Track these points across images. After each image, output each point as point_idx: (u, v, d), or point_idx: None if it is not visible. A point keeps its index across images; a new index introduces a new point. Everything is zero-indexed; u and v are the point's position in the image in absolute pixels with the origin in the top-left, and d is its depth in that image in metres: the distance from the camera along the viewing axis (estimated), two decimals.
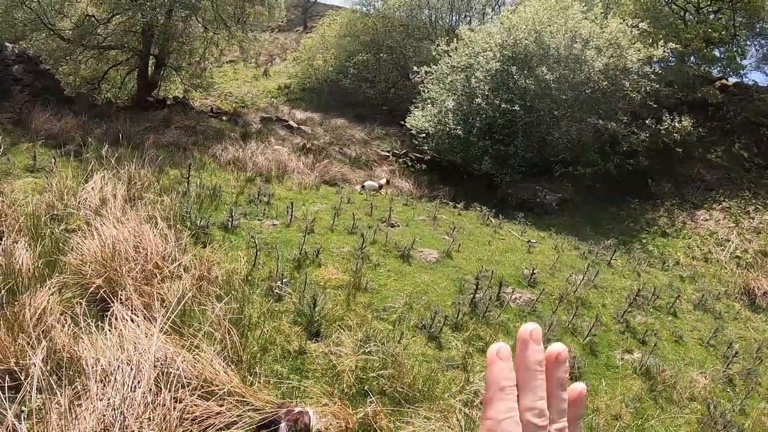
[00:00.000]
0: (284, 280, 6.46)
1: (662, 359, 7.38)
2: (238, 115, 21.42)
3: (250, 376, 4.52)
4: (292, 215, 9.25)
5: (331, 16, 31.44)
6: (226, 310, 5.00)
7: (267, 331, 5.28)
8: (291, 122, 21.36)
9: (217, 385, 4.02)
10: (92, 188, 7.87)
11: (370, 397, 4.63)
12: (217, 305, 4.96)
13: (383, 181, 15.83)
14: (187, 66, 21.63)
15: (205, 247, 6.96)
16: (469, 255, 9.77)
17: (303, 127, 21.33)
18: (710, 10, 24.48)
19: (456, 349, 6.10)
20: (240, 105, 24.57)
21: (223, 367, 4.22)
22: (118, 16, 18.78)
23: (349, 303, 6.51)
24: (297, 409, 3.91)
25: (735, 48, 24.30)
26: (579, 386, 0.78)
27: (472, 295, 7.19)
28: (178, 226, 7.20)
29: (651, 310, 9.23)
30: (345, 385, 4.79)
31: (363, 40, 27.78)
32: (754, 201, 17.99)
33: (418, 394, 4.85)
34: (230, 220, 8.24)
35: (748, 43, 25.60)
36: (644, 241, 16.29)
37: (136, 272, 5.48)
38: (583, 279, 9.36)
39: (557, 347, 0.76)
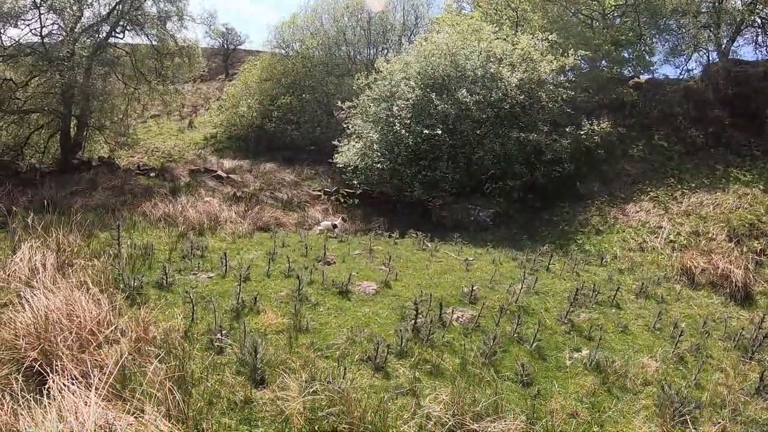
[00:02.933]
0: (224, 332, 6.41)
1: (611, 351, 7.60)
2: (166, 170, 21.09)
3: None
4: (227, 266, 9.19)
5: (251, 62, 31.38)
6: (167, 369, 4.94)
7: (211, 384, 5.24)
8: (220, 172, 21.19)
9: None
10: (20, 259, 7.66)
11: None
12: (157, 365, 4.91)
13: (338, 221, 15.85)
14: (110, 124, 21.43)
15: (140, 307, 6.81)
16: (408, 282, 9.85)
17: (232, 175, 21.19)
18: (615, 14, 25.46)
19: (403, 376, 6.12)
20: (167, 159, 24.22)
21: (168, 427, 4.19)
22: (36, 78, 18.64)
23: (291, 345, 6.50)
24: None
25: (643, 47, 25.29)
26: None
27: (413, 321, 7.25)
28: (111, 289, 7.11)
29: (594, 306, 9.50)
30: (295, 429, 4.79)
31: (285, 83, 27.83)
32: (679, 186, 18.70)
33: (370, 427, 4.86)
34: (164, 277, 8.15)
35: (654, 40, 26.66)
36: (580, 241, 16.64)
37: (71, 341, 5.37)
38: (522, 287, 9.55)
39: None
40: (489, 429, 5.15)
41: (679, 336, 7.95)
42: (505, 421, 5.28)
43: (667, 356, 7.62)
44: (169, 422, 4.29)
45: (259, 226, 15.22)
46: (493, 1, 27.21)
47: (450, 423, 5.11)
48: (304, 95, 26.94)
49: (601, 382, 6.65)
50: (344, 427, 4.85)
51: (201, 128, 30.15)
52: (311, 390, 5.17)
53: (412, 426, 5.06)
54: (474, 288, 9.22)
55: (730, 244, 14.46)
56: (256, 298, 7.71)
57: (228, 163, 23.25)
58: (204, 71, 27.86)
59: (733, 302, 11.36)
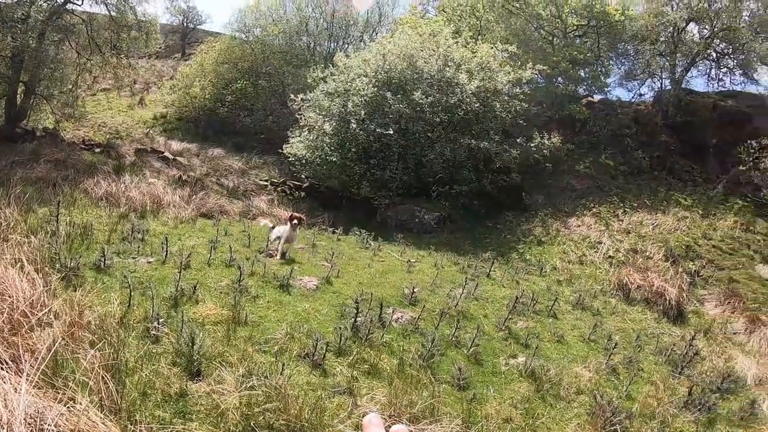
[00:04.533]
0: (161, 320, 6.19)
1: (546, 359, 7.68)
2: (112, 147, 20.40)
3: (131, 424, 4.30)
4: (167, 251, 8.90)
5: (209, 43, 30.57)
6: (101, 357, 4.72)
7: (146, 375, 5.04)
8: (167, 153, 20.68)
9: None
10: None
11: None
12: (91, 352, 4.69)
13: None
14: (58, 94, 20.54)
15: (76, 290, 6.52)
16: (350, 279, 9.79)
17: (179, 158, 20.68)
18: (576, 34, 25.98)
19: (341, 374, 6.05)
20: (114, 136, 23.50)
21: (100, 418, 3.97)
22: None
23: (230, 338, 6.34)
24: None
25: (599, 68, 25.85)
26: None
27: (353, 320, 7.18)
28: (46, 269, 6.79)
29: (531, 314, 9.60)
30: (231, 424, 4.65)
31: (241, 68, 27.29)
32: (621, 205, 19.33)
33: (307, 424, 4.78)
34: (103, 259, 7.85)
35: (611, 63, 27.33)
36: (521, 250, 16.87)
37: (2, 322, 5.07)
38: (463, 292, 9.54)
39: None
40: (425, 431, 5.16)
41: (613, 348, 8.13)
42: (441, 423, 5.29)
43: (601, 367, 7.78)
44: (101, 413, 4.07)
45: (203, 213, 14.91)
46: (457, 8, 27.46)
47: (386, 424, 5.03)
48: (259, 82, 26.53)
49: (535, 389, 6.75)
50: (281, 424, 4.75)
51: (152, 107, 29.34)
52: (248, 385, 5.05)
53: (349, 425, 5.01)
54: (415, 290, 9.21)
55: (666, 264, 14.93)
56: (195, 287, 7.48)
57: (176, 145, 22.68)
58: (160, 48, 27.31)
59: (665, 319, 11.65)
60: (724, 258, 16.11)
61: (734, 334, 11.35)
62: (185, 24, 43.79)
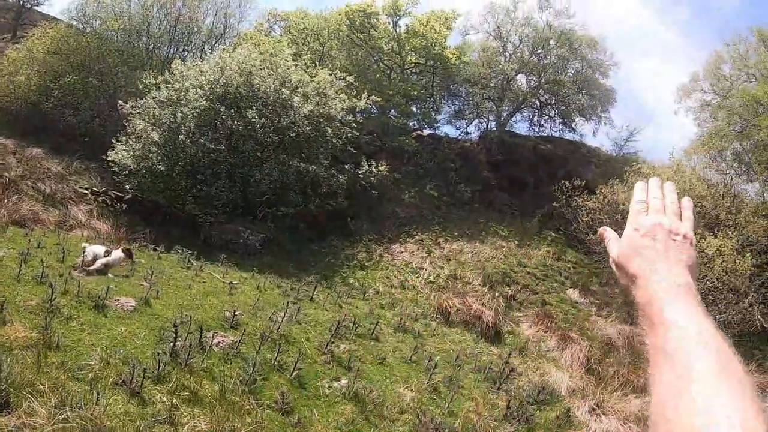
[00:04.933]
0: None
1: (369, 381, 7.93)
2: None
3: None
4: None
5: (44, 28, 28.39)
6: None
7: None
8: None
9: None
10: None
11: None
12: None
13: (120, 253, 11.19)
14: None
15: None
16: (169, 301, 9.49)
17: None
18: (413, 71, 27.22)
19: (161, 402, 5.87)
20: None
21: None
22: None
23: (40, 364, 5.91)
24: None
25: (431, 105, 27.28)
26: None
27: (172, 344, 6.96)
28: None
29: (354, 338, 9.82)
30: None
31: (73, 61, 25.29)
32: (443, 233, 20.42)
33: None
34: None
35: (443, 101, 28.97)
36: (345, 274, 17.28)
37: None
38: (285, 316, 9.54)
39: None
40: None
41: (434, 368, 8.63)
42: None
43: (423, 386, 8.17)
44: None
45: (15, 220, 14.03)
46: (303, 30, 27.76)
47: None
48: (90, 79, 24.74)
49: (359, 410, 6.94)
50: None
51: None
52: (62, 417, 4.83)
53: None
54: (236, 313, 9.10)
55: (484, 289, 16.00)
56: (2, 306, 6.94)
57: None
58: None
59: (483, 339, 12.51)
60: (538, 283, 17.58)
61: (548, 351, 12.42)
62: (21, 2, 40.59)
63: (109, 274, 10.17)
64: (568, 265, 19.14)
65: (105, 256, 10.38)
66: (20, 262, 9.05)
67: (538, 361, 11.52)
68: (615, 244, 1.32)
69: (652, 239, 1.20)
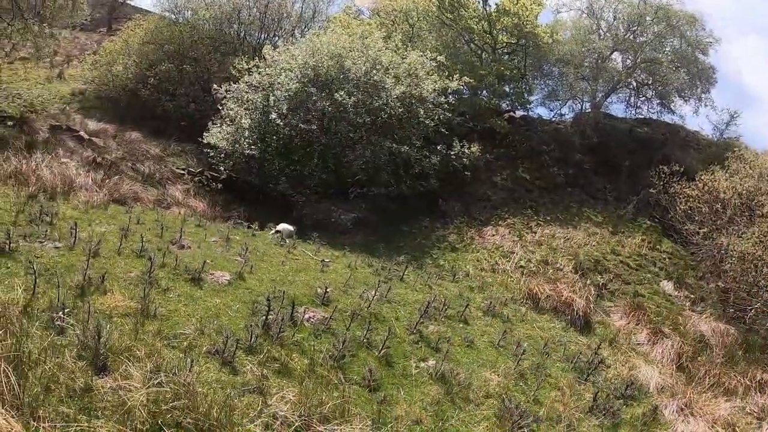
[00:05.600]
0: (66, 310, 5.96)
1: (456, 363, 7.84)
2: (26, 122, 19.37)
3: (34, 420, 4.11)
4: (76, 237, 8.64)
5: (137, 20, 29.33)
6: (2, 348, 4.55)
7: (49, 368, 4.81)
8: (83, 133, 19.84)
9: None
10: None
11: None
12: None
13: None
14: None
15: None
16: (262, 276, 9.64)
17: (95, 139, 19.84)
18: (505, 51, 26.57)
19: (251, 372, 5.98)
20: (28, 109, 22.27)
21: (1, 414, 3.83)
22: None
23: (138, 332, 6.15)
24: None
25: (524, 85, 26.54)
26: None
27: (264, 317, 7.10)
28: None
29: (443, 319, 9.71)
30: (138, 422, 4.49)
31: (167, 50, 26.20)
32: (535, 218, 19.88)
33: (215, 423, 4.69)
34: (8, 242, 7.56)
35: (535, 82, 28.14)
36: (435, 256, 17.03)
37: None
38: (375, 294, 9.56)
39: None
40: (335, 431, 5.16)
41: (522, 354, 8.46)
42: (351, 424, 5.35)
43: (509, 372, 8.03)
44: (2, 408, 3.93)
45: (116, 198, 14.44)
46: (391, 13, 27.59)
47: (297, 424, 5.12)
48: (185, 66, 25.57)
49: (445, 392, 6.88)
50: (189, 422, 4.65)
51: (71, 81, 27.92)
52: (156, 381, 4.94)
53: (259, 425, 4.97)
54: (328, 290, 9.16)
55: (575, 276, 15.41)
56: (104, 277, 7.26)
57: (93, 125, 21.65)
58: (86, 20, 26.08)
59: (573, 328, 12.00)
60: (631, 273, 16.83)
61: (638, 344, 11.86)
62: None
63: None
64: (663, 256, 18.24)
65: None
66: (121, 237, 9.39)
67: (628, 355, 11.01)
68: None
69: None
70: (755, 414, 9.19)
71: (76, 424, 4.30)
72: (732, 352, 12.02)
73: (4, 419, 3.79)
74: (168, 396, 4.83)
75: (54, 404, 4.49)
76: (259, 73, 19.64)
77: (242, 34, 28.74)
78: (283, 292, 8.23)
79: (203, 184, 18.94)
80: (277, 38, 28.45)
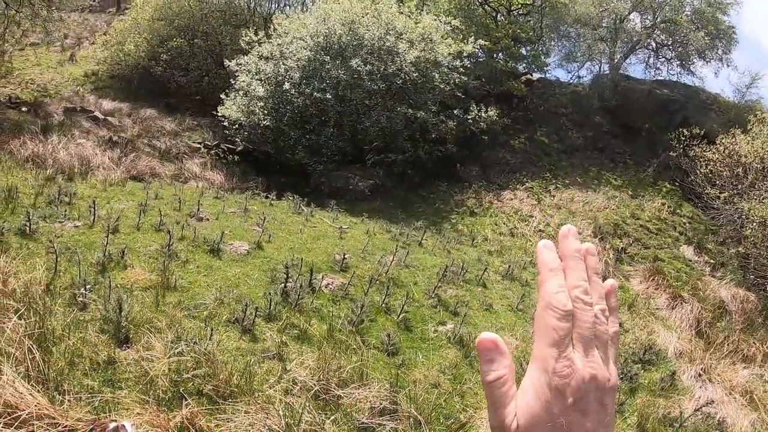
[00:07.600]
0: (88, 287, 5.98)
1: (474, 327, 7.79)
2: (40, 106, 19.44)
3: (59, 394, 4.16)
4: (95, 215, 8.70)
5: None
6: (27, 325, 4.61)
7: (73, 343, 4.90)
8: (97, 113, 19.81)
9: (23, 410, 3.65)
10: None
11: (186, 400, 4.43)
12: (15, 320, 4.57)
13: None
14: None
15: (0, 256, 6.27)
16: (281, 245, 9.71)
17: (110, 118, 19.83)
18: (520, 12, 26.12)
19: (271, 339, 6.06)
20: (42, 94, 22.31)
21: (27, 389, 3.86)
22: None
23: (158, 304, 6.26)
24: (112, 425, 3.67)
25: (540, 47, 26.15)
26: (610, 282, 0.87)
27: (283, 285, 7.16)
28: None
29: (461, 283, 9.68)
30: (160, 391, 4.57)
31: (178, 25, 26.04)
32: (554, 181, 19.72)
33: (236, 389, 4.77)
34: (28, 224, 7.59)
35: (553, 43, 27.69)
36: (454, 221, 17.02)
37: None
38: (393, 260, 9.54)
39: (586, 244, 0.84)
40: (353, 395, 5.18)
41: None
42: (370, 388, 5.32)
43: (528, 335, 7.91)
44: (28, 383, 3.96)
45: (133, 175, 14.56)
46: None
47: (315, 388, 5.12)
48: (196, 41, 25.55)
49: (463, 355, 6.87)
50: (210, 390, 4.72)
51: (83, 63, 27.98)
52: (177, 351, 5.03)
53: (278, 390, 5.00)
54: (346, 256, 9.17)
55: (595, 240, 15.31)
56: (124, 252, 7.35)
57: (107, 105, 21.73)
58: (94, 1, 26.02)
59: None
60: (651, 237, 16.64)
61: (657, 309, 11.74)
62: None
63: None
64: (684, 220, 18.01)
65: None
66: (139, 212, 9.43)
67: (647, 319, 10.90)
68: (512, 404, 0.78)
69: (582, 413, 0.69)
70: None
71: (100, 396, 4.35)
72: (751, 319, 11.96)
73: (31, 394, 3.82)
74: (189, 365, 4.92)
75: (78, 377, 4.57)
76: (270, 44, 19.47)
77: (252, 5, 28.50)
78: (302, 260, 8.23)
79: (220, 156, 18.88)
80: (287, 7, 28.21)
